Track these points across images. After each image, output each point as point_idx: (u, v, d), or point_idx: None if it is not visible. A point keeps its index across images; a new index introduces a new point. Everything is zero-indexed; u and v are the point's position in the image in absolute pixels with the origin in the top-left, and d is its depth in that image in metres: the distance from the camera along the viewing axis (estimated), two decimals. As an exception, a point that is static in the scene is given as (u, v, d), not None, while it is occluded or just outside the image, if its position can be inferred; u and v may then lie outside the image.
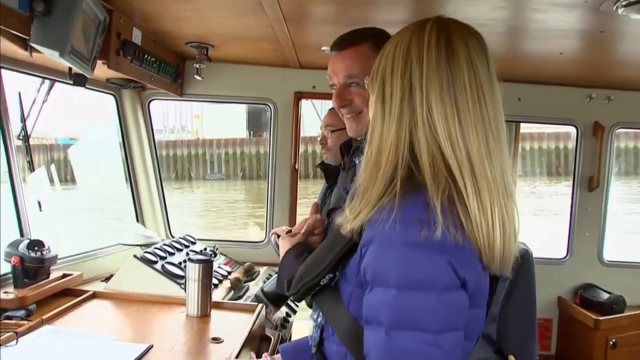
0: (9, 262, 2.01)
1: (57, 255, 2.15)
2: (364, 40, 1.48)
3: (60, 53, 1.61)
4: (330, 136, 2.54)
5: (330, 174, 2.42)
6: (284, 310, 2.50)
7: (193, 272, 1.95)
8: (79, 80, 1.99)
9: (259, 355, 1.60)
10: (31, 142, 2.47)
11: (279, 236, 1.78)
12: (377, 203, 0.98)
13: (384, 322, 0.94)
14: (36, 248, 2.05)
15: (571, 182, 3.40)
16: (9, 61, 2.00)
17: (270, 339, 2.01)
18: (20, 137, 2.39)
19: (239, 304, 2.22)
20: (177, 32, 2.43)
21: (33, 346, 1.61)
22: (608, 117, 3.21)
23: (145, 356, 1.60)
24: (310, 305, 1.30)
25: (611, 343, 3.08)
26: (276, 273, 1.95)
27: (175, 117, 23.85)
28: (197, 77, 2.78)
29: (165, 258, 2.47)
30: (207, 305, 1.99)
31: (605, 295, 3.20)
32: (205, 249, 2.94)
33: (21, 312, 1.90)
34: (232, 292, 2.53)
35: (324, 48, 2.52)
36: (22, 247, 2.03)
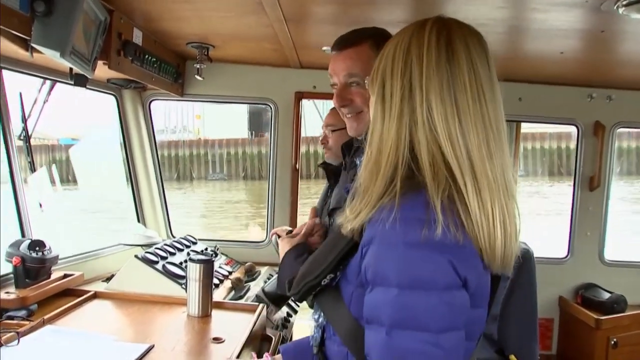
0: (10, 262, 2.01)
1: (58, 256, 2.15)
2: (365, 40, 1.48)
3: (61, 53, 1.62)
4: (331, 136, 2.55)
5: (332, 173, 2.42)
6: (284, 310, 2.50)
7: (194, 272, 1.95)
8: (79, 81, 1.99)
9: (260, 356, 1.60)
10: (33, 142, 2.48)
11: (279, 236, 1.79)
12: (378, 203, 0.98)
13: (385, 322, 0.94)
14: (37, 248, 2.06)
15: (572, 182, 3.40)
16: (10, 61, 2.01)
17: (271, 339, 2.01)
18: (22, 138, 2.40)
19: (240, 304, 2.22)
20: (177, 32, 2.43)
21: (34, 346, 1.61)
22: (609, 116, 3.20)
23: (146, 356, 1.60)
24: (311, 306, 1.30)
25: (612, 343, 3.07)
26: (277, 273, 1.96)
27: (177, 118, 23.85)
28: (198, 77, 2.78)
29: (166, 258, 2.47)
30: (208, 305, 1.99)
31: (607, 295, 3.20)
32: (206, 249, 2.94)
33: (22, 312, 1.91)
34: (233, 292, 2.53)
35: (324, 48, 2.52)
36: (24, 247, 2.03)
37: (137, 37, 2.25)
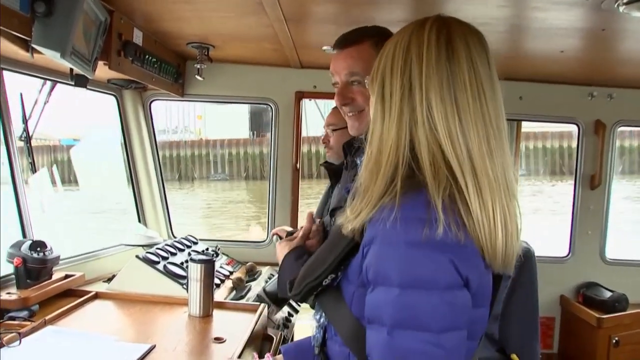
0: (12, 263, 2.01)
1: (59, 256, 2.15)
2: (366, 39, 1.48)
3: (62, 54, 1.62)
4: (333, 135, 2.55)
5: (333, 173, 2.43)
6: (286, 310, 2.50)
7: (195, 272, 1.95)
8: (80, 81, 1.99)
9: (261, 356, 1.60)
10: (34, 143, 2.48)
11: (280, 237, 1.79)
12: (378, 202, 0.98)
13: (386, 322, 0.94)
14: (38, 249, 2.06)
15: (573, 181, 3.40)
16: (11, 62, 2.01)
17: (273, 338, 2.01)
18: (22, 138, 2.40)
19: (241, 303, 2.22)
20: (178, 32, 2.43)
21: (36, 347, 1.61)
22: (609, 115, 3.20)
23: (147, 356, 1.60)
24: (312, 306, 1.29)
25: (614, 341, 3.07)
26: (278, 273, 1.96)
27: (178, 118, 23.85)
28: (198, 78, 2.79)
29: (167, 258, 2.47)
30: (209, 305, 1.99)
31: (608, 294, 3.20)
32: (207, 249, 2.94)
33: (24, 313, 1.91)
34: (234, 292, 2.53)
35: (324, 48, 2.52)
36: (25, 248, 2.03)
37: (138, 37, 2.25)
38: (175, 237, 3.12)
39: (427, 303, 0.92)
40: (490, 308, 1.07)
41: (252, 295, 2.47)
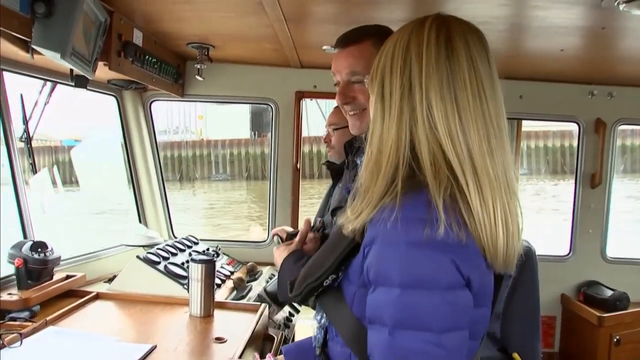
0: (13, 263, 2.01)
1: (60, 257, 2.15)
2: (367, 38, 1.48)
3: (62, 55, 1.62)
4: (334, 134, 2.56)
5: (335, 172, 2.43)
6: (287, 310, 2.50)
7: (196, 272, 1.95)
8: (80, 82, 1.99)
9: (262, 356, 1.60)
10: (35, 144, 2.48)
11: (280, 237, 1.78)
12: (379, 203, 0.98)
13: (387, 322, 0.93)
14: (39, 249, 2.06)
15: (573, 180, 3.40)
16: (11, 63, 2.01)
17: (274, 338, 2.01)
18: (23, 139, 2.40)
19: (242, 303, 2.22)
20: (177, 32, 2.43)
21: (37, 347, 1.62)
22: (610, 113, 3.20)
23: (148, 356, 1.60)
24: (313, 307, 1.29)
25: (615, 340, 3.07)
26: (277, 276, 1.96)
27: (179, 118, 23.84)
28: (198, 78, 2.79)
29: (168, 259, 2.47)
30: (210, 305, 1.99)
31: (609, 292, 3.20)
32: (207, 249, 2.94)
33: (25, 314, 1.91)
34: (235, 292, 2.53)
35: (324, 47, 2.52)
36: (26, 248, 2.03)
37: (138, 38, 2.25)
38: (175, 238, 3.12)
39: (429, 303, 0.91)
40: (492, 307, 1.07)
41: (253, 295, 2.47)
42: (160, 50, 2.56)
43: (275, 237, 1.95)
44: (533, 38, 2.34)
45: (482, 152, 0.97)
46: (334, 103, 2.28)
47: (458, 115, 0.97)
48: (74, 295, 2.16)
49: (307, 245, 1.56)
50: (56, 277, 2.16)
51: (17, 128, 2.27)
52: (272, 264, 2.91)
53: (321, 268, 1.13)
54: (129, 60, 2.19)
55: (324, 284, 1.13)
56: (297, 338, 2.45)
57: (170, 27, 2.33)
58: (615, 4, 1.67)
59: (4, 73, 2.07)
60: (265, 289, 2.37)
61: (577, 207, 3.32)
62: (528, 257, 1.85)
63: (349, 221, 1.03)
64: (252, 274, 2.83)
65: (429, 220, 0.92)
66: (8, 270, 2.06)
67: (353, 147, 1.62)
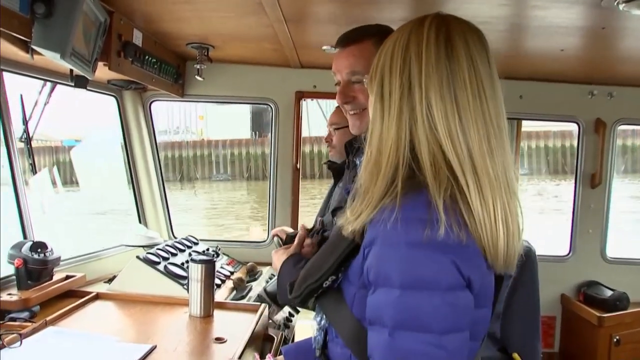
0: (13, 264, 2.01)
1: (60, 257, 2.15)
2: (368, 37, 1.48)
3: (62, 55, 1.62)
4: (335, 134, 2.57)
5: (336, 172, 2.44)
6: (286, 310, 2.50)
7: (196, 272, 1.95)
8: (80, 82, 1.99)
9: (262, 356, 1.60)
10: (36, 144, 2.48)
11: (281, 238, 1.78)
12: (379, 203, 0.97)
13: (388, 323, 0.93)
14: (39, 250, 2.06)
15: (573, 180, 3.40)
16: (11, 63, 2.01)
17: (274, 339, 2.01)
18: (23, 140, 2.40)
19: (241, 304, 2.22)
20: (177, 33, 2.43)
21: (37, 347, 1.61)
22: (610, 113, 3.20)
23: (148, 357, 1.60)
24: (313, 309, 1.28)
25: (615, 340, 3.07)
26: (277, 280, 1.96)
27: (180, 118, 23.83)
28: (198, 78, 2.78)
29: (167, 259, 2.47)
30: (210, 305, 1.99)
31: (609, 293, 3.20)
32: (207, 249, 2.94)
33: (25, 314, 1.91)
34: (235, 292, 2.53)
35: (324, 47, 2.52)
36: (25, 249, 2.03)
37: (137, 38, 2.25)
38: (175, 238, 3.12)
39: (429, 304, 0.91)
40: (492, 307, 1.06)
41: (252, 295, 2.47)
42: (160, 50, 2.56)
43: (275, 238, 1.95)
44: (533, 38, 2.34)
45: (482, 152, 0.97)
46: (334, 103, 2.28)
47: (458, 115, 0.97)
48: (73, 296, 2.16)
49: (305, 249, 1.56)
50: (56, 277, 2.16)
51: (17, 128, 2.27)
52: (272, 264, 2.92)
53: (321, 269, 1.12)
54: (128, 61, 2.19)
55: (324, 285, 1.12)
56: (297, 338, 2.45)
57: (170, 27, 2.33)
58: (615, 3, 1.67)
59: (4, 73, 2.07)
60: (265, 289, 2.37)
61: (577, 207, 3.32)
62: (528, 257, 1.85)
63: (349, 222, 1.02)
64: (252, 274, 2.83)
65: (429, 220, 0.91)
66: (8, 270, 2.06)
67: (353, 147, 1.62)
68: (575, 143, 3.38)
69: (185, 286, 2.23)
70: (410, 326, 0.91)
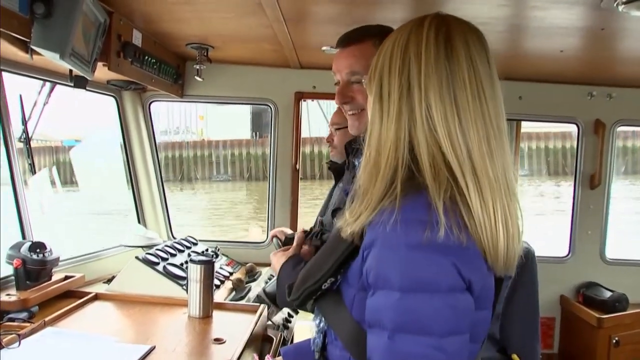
0: (11, 264, 2.01)
1: (59, 257, 2.15)
2: (369, 38, 1.48)
3: (61, 55, 1.62)
4: (336, 134, 2.57)
5: (337, 172, 2.44)
6: (285, 311, 2.50)
7: (195, 273, 1.95)
8: (79, 83, 1.99)
9: (261, 357, 1.60)
10: (36, 144, 2.49)
11: (280, 239, 1.78)
12: (378, 205, 0.97)
13: (387, 326, 0.92)
14: (38, 250, 2.06)
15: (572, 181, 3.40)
16: (10, 63, 2.01)
17: (273, 339, 2.01)
18: (22, 140, 2.40)
19: (240, 304, 2.22)
20: (177, 33, 2.43)
21: (35, 348, 1.61)
22: (609, 114, 3.20)
23: (147, 357, 1.59)
24: (312, 311, 1.27)
25: (614, 341, 3.07)
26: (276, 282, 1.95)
27: (180, 119, 23.83)
28: (198, 78, 2.78)
29: (167, 259, 2.47)
30: (209, 306, 1.99)
31: (608, 294, 3.20)
32: (206, 249, 2.94)
33: (23, 314, 1.91)
34: (234, 292, 2.53)
35: (324, 48, 2.52)
36: (24, 249, 2.03)
37: (137, 38, 2.25)
38: (175, 238, 3.12)
39: (429, 307, 0.90)
40: (492, 309, 1.06)
41: (252, 296, 2.46)
42: (160, 50, 2.56)
43: (275, 239, 1.95)
44: (532, 39, 2.34)
45: (482, 154, 0.96)
46: (335, 104, 2.29)
47: (457, 116, 0.96)
48: (72, 296, 2.16)
49: (304, 250, 1.55)
50: (55, 277, 2.16)
51: (16, 128, 2.28)
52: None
53: (320, 271, 1.11)
54: (128, 61, 2.19)
55: (323, 287, 1.11)
56: (296, 339, 2.45)
57: (169, 28, 2.33)
58: (615, 4, 1.67)
59: (3, 73, 2.07)
60: (264, 290, 2.37)
61: (577, 208, 3.33)
62: (528, 258, 1.86)
63: (348, 224, 1.01)
64: (251, 275, 2.83)
65: (429, 222, 0.91)
66: (7, 270, 2.05)
67: (352, 147, 1.62)
68: (575, 144, 3.38)
69: (184, 287, 2.23)
70: (410, 329, 0.90)
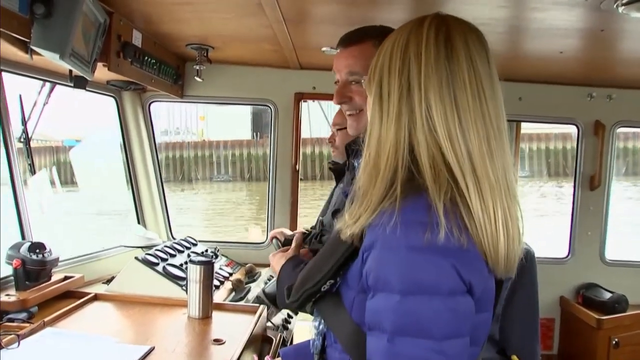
0: (11, 264, 2.01)
1: (58, 258, 2.15)
2: (369, 39, 1.47)
3: (61, 55, 1.62)
4: (338, 135, 2.57)
5: (338, 173, 2.44)
6: (285, 311, 2.50)
7: (194, 273, 1.95)
8: (79, 83, 1.99)
9: (261, 358, 1.59)
10: (36, 144, 2.49)
11: (279, 240, 1.78)
12: (378, 207, 0.96)
13: (387, 329, 0.91)
14: (37, 250, 2.06)
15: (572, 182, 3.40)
16: (10, 64, 2.01)
17: (272, 340, 2.00)
18: (22, 140, 2.40)
19: (240, 305, 2.21)
20: (177, 33, 2.43)
21: (35, 348, 1.61)
22: (609, 115, 3.20)
23: (147, 358, 1.59)
24: (311, 313, 1.26)
25: (614, 342, 3.07)
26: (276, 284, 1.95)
27: (181, 119, 23.83)
28: (198, 79, 2.78)
29: (166, 260, 2.47)
30: (208, 306, 1.99)
31: (608, 295, 3.20)
32: (206, 250, 2.94)
33: (23, 315, 1.91)
34: (234, 293, 2.53)
35: (324, 49, 2.52)
36: (24, 249, 2.03)
37: (137, 38, 2.25)
38: (174, 239, 3.12)
39: (429, 309, 0.89)
40: (493, 310, 1.05)
41: (251, 296, 2.46)
42: (160, 51, 2.56)
43: (274, 240, 1.95)
44: (532, 40, 2.34)
45: (482, 155, 0.95)
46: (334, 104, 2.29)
47: (458, 117, 0.95)
48: (72, 296, 2.15)
49: (303, 250, 1.55)
50: (54, 278, 2.15)
51: (16, 129, 2.28)
52: (271, 266, 2.91)
53: (319, 273, 1.10)
54: (128, 61, 2.19)
55: (322, 289, 1.10)
56: (296, 340, 2.45)
57: (169, 28, 2.33)
58: (615, 6, 1.67)
59: (3, 73, 2.07)
60: (263, 291, 2.37)
61: (576, 209, 3.33)
62: (527, 259, 1.85)
63: (347, 226, 1.01)
64: (251, 276, 2.82)
65: (429, 224, 0.90)
66: (6, 271, 2.05)
67: (352, 148, 1.62)
68: (575, 145, 3.38)
69: (183, 287, 2.23)
70: (410, 332, 0.90)
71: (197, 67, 2.75)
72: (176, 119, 23.43)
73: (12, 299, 1.93)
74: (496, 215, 0.94)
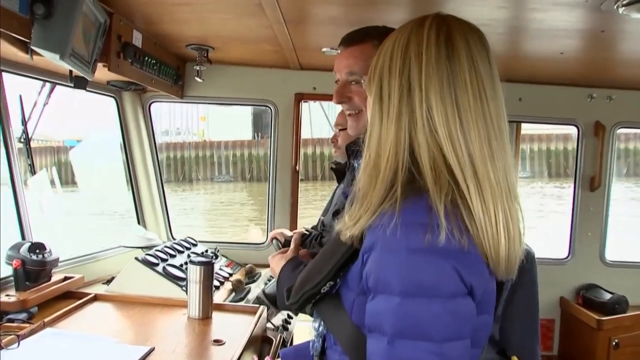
0: (11, 265, 2.01)
1: (58, 258, 2.15)
2: (370, 39, 1.47)
3: (61, 56, 1.62)
4: (340, 135, 2.58)
5: (339, 173, 2.44)
6: (285, 312, 2.50)
7: (194, 274, 1.95)
8: (79, 83, 1.99)
9: (261, 358, 1.59)
10: (37, 144, 2.49)
11: (279, 241, 1.77)
12: (378, 208, 0.95)
13: (387, 331, 0.91)
14: (37, 251, 2.06)
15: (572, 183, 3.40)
16: (10, 64, 2.01)
17: (272, 341, 2.00)
18: (22, 140, 2.40)
19: (240, 305, 2.21)
20: (177, 34, 2.43)
21: (35, 349, 1.61)
22: (609, 116, 3.20)
23: (147, 358, 1.59)
24: (311, 314, 1.26)
25: (614, 343, 3.07)
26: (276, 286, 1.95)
27: (181, 119, 23.85)
28: (198, 79, 2.79)
29: (166, 260, 2.47)
30: (208, 307, 1.99)
31: (608, 296, 3.20)
32: (206, 250, 2.94)
33: (23, 315, 1.90)
34: (234, 294, 2.53)
35: (324, 49, 2.52)
36: (24, 250, 2.03)
37: (137, 39, 2.25)
38: (174, 239, 3.12)
39: (429, 312, 0.89)
40: (494, 312, 1.04)
41: (251, 297, 2.46)
42: (160, 51, 2.56)
43: (274, 241, 1.94)
44: (532, 41, 2.34)
45: (483, 156, 0.95)
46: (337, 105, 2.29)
47: (459, 118, 0.95)
48: (72, 297, 2.15)
49: (302, 251, 1.55)
50: (54, 278, 2.15)
51: (16, 129, 2.28)
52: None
53: (319, 275, 1.09)
54: (128, 62, 2.19)
55: (322, 291, 1.10)
56: (296, 340, 2.45)
57: (169, 29, 2.33)
58: (615, 7, 1.67)
59: (3, 74, 2.07)
60: (263, 291, 2.37)
61: (577, 210, 3.33)
62: (528, 260, 1.85)
63: (347, 227, 1.00)
64: (251, 276, 2.82)
65: (430, 225, 0.89)
66: (6, 271, 2.05)
67: (352, 149, 1.61)
68: (575, 146, 3.38)
69: (183, 288, 2.23)
70: (410, 334, 0.89)
71: (197, 68, 2.75)
72: (177, 119, 23.47)
73: (12, 299, 1.93)
74: (497, 217, 0.94)
